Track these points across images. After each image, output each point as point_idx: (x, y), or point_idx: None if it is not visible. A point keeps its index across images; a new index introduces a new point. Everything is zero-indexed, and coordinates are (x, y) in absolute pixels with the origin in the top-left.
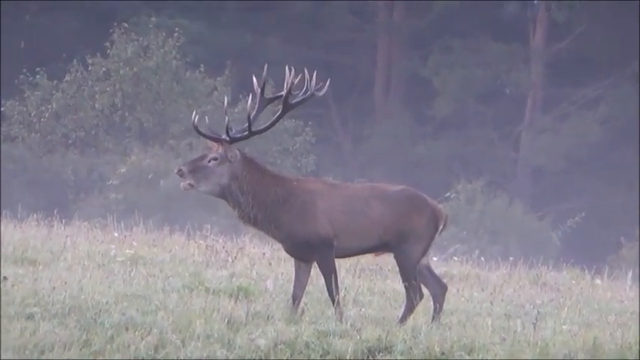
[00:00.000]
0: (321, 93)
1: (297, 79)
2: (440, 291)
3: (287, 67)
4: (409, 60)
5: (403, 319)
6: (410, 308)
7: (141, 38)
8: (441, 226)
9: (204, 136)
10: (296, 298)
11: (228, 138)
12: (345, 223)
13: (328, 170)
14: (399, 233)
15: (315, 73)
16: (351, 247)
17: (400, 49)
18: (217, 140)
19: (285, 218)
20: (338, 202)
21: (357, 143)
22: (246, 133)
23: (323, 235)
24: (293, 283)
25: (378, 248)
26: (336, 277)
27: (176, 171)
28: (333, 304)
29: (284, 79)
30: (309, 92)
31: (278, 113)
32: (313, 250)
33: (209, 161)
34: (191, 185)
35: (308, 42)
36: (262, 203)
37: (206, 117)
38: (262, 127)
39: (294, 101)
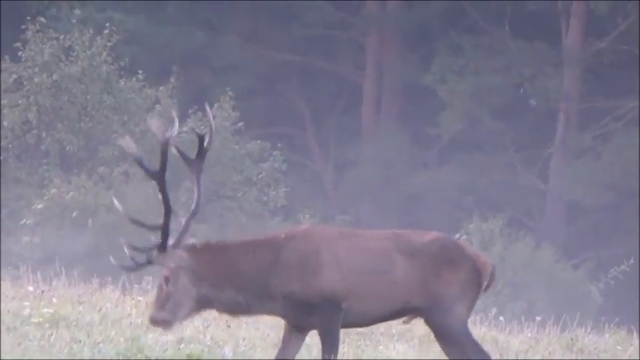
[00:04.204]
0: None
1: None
2: None
3: (207, 105)
4: (406, 64)
5: None
6: None
7: (62, 37)
8: (485, 283)
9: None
10: None
11: (154, 251)
12: (359, 282)
13: (303, 205)
14: (431, 296)
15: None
16: (365, 314)
17: (395, 50)
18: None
19: (277, 280)
20: (349, 255)
21: (339, 171)
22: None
23: (327, 292)
24: (277, 353)
25: (402, 314)
26: (336, 351)
27: (150, 322)
28: None
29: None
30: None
31: None
32: (314, 313)
33: (166, 286)
34: (168, 322)
35: (276, 41)
36: (243, 282)
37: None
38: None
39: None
